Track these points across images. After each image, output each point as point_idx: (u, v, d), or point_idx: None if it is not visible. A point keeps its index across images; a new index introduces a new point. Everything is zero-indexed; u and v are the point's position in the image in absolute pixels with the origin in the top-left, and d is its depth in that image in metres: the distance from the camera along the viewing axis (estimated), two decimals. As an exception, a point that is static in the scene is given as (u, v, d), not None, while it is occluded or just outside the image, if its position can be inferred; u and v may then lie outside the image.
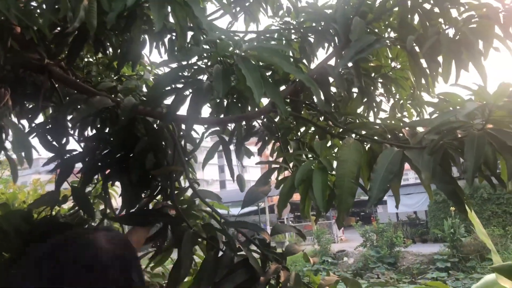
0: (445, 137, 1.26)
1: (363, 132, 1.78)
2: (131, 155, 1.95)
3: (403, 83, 2.30)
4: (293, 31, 2.62)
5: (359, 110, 2.49)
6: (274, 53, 1.49)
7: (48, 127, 2.03)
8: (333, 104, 2.22)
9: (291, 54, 2.46)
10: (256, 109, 2.09)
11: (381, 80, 2.42)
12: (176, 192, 1.97)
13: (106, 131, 2.23)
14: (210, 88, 1.55)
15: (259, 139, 2.54)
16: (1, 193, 3.80)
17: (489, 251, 3.01)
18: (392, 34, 2.19)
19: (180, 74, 1.65)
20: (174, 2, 1.56)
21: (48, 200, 1.94)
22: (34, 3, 1.74)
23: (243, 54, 1.49)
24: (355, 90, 2.32)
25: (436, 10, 1.94)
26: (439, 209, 19.97)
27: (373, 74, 2.35)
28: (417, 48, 1.73)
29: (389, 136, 1.64)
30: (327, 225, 24.66)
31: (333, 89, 2.13)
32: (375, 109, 2.50)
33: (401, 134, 1.67)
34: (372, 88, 2.30)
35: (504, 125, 1.26)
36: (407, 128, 1.61)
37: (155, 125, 2.04)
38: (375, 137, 1.68)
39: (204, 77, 1.68)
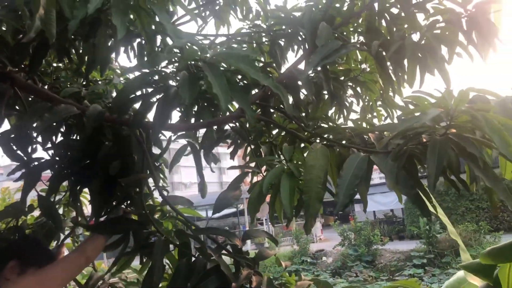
0: (409, 142, 1.27)
1: (332, 137, 1.78)
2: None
3: (372, 86, 2.33)
4: (263, 34, 2.62)
5: (330, 112, 2.51)
6: (240, 59, 1.48)
7: (12, 136, 1.97)
8: (303, 109, 2.23)
9: (262, 58, 2.47)
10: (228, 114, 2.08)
11: (350, 84, 2.44)
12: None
13: (74, 137, 2.20)
14: (177, 95, 1.53)
15: (231, 143, 2.53)
16: (-32, 202, 3.69)
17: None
18: (361, 38, 2.21)
19: (148, 80, 1.63)
20: (138, 8, 1.54)
21: (12, 212, 1.90)
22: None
23: (209, 60, 1.48)
24: (325, 92, 2.34)
25: (403, 14, 1.97)
26: (415, 206, 20.29)
27: (342, 78, 2.36)
28: (384, 53, 1.75)
29: (357, 140, 1.65)
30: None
31: (305, 92, 2.13)
32: (345, 112, 2.53)
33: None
34: (341, 91, 2.32)
35: (465, 131, 1.28)
36: (375, 132, 1.62)
37: (124, 132, 2.01)
38: (343, 142, 1.69)
39: (172, 83, 1.67)
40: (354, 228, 19.12)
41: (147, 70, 1.57)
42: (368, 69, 2.37)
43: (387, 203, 24.13)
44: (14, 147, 1.97)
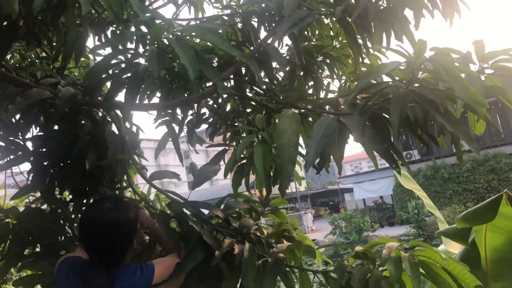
0: (373, 97, 1.30)
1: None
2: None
3: (345, 60, 2.36)
4: (236, 16, 2.63)
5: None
6: (208, 31, 1.50)
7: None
8: (277, 85, 2.25)
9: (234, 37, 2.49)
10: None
11: (326, 60, 2.47)
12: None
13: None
14: (146, 71, 1.54)
15: (210, 125, 2.56)
16: None
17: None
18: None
19: (117, 59, 1.64)
20: (102, -15, 1.55)
21: None
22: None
23: (177, 34, 1.50)
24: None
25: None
26: (404, 192, 20.51)
27: (315, 54, 2.39)
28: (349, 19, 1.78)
29: (328, 107, 1.68)
30: (297, 217, 24.95)
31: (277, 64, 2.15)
32: (323, 91, 2.56)
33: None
34: (315, 66, 2.35)
35: (428, 83, 1.32)
36: (344, 97, 1.65)
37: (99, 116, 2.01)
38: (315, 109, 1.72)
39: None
40: (345, 217, 19.24)
41: (114, 49, 1.58)
42: (339, 45, 2.40)
43: (376, 190, 24.39)
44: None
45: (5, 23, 1.63)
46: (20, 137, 2.07)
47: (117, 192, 2.04)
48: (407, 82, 1.30)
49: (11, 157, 2.01)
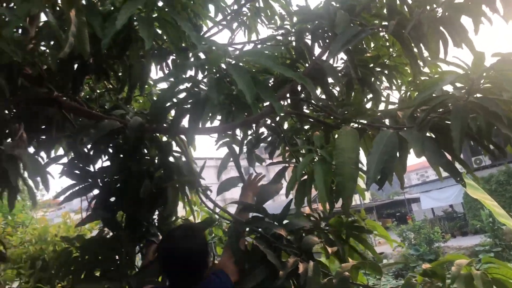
0: (432, 112, 1.28)
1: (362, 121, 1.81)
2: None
3: (402, 69, 2.33)
4: (289, 35, 2.68)
5: (368, 106, 2.52)
6: (261, 55, 1.55)
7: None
8: (335, 101, 2.26)
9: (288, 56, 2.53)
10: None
11: (384, 71, 2.44)
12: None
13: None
14: (207, 98, 1.61)
15: (269, 144, 2.60)
16: (33, 228, 3.94)
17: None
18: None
19: (180, 88, 1.73)
20: (163, 21, 1.65)
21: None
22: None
23: (233, 61, 1.56)
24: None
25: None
26: (475, 199, 19.33)
27: (372, 65, 2.37)
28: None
29: (387, 121, 1.67)
30: (362, 229, 24.25)
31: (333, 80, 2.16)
32: (382, 103, 2.52)
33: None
34: (372, 78, 2.33)
35: (490, 93, 1.28)
36: (403, 110, 1.63)
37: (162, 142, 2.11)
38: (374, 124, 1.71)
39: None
40: (413, 228, 18.47)
41: (176, 79, 1.67)
42: (395, 54, 2.37)
43: (445, 199, 23.23)
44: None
45: (77, 62, 1.77)
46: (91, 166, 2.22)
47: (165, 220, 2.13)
48: (467, 91, 1.27)
49: (84, 184, 2.16)
